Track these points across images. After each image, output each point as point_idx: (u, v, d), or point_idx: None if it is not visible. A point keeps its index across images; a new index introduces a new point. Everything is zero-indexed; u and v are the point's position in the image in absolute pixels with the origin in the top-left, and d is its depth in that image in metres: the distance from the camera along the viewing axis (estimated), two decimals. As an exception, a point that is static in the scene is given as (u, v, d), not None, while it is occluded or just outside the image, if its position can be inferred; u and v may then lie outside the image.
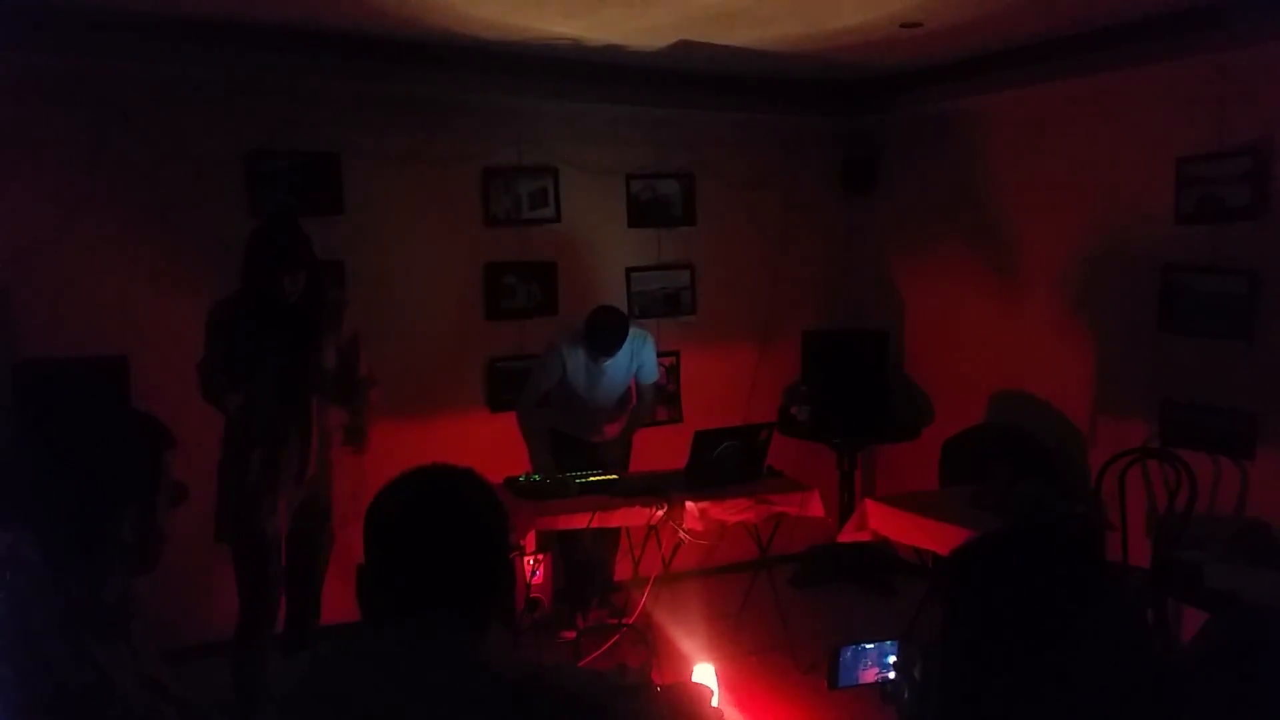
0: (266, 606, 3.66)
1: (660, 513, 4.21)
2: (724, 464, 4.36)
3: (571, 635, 4.77)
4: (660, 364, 5.45)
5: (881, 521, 4.37)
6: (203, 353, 3.64)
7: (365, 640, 1.56)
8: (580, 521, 4.13)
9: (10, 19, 3.90)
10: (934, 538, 4.07)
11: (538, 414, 4.75)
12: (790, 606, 4.88)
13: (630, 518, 4.24)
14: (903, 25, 4.31)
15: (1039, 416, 5.02)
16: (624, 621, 4.80)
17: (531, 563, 4.85)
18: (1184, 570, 3.79)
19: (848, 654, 2.07)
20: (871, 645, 2.07)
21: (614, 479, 4.44)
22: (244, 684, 3.59)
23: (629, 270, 5.57)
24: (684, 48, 4.67)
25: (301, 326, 3.64)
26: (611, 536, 4.88)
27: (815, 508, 4.49)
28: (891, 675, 2.04)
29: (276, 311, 3.57)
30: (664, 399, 5.65)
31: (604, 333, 4.57)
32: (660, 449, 5.04)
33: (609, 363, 4.66)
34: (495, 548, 1.61)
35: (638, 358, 4.78)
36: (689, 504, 4.23)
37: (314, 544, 3.77)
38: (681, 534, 4.33)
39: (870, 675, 2.07)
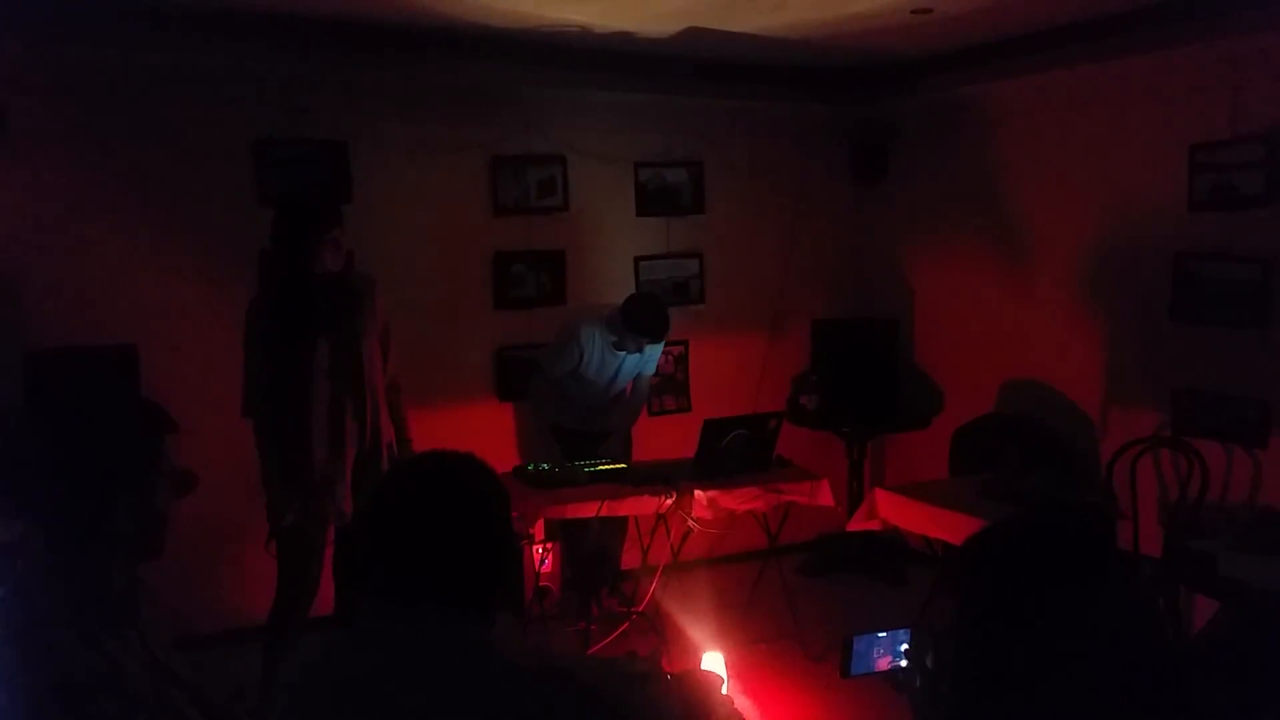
0: (304, 600, 3.53)
1: (669, 501, 4.21)
2: (733, 453, 4.36)
3: (580, 624, 4.77)
4: (668, 352, 5.47)
5: (891, 510, 4.35)
6: (245, 362, 3.44)
7: (375, 628, 1.55)
8: (589, 510, 4.13)
9: (16, 10, 3.90)
10: (944, 527, 4.05)
11: (550, 405, 4.75)
12: (799, 595, 4.88)
13: (639, 506, 4.24)
14: (913, 11, 4.28)
15: (1050, 405, 5.00)
16: (633, 610, 4.81)
17: (540, 551, 4.85)
18: (1196, 559, 3.77)
19: (861, 642, 2.06)
20: (884, 634, 2.06)
21: (623, 468, 4.44)
22: (272, 666, 3.54)
23: (637, 259, 5.55)
24: (693, 34, 4.64)
25: (348, 302, 3.42)
26: (620, 525, 4.87)
27: (824, 497, 4.48)
28: (904, 663, 2.03)
29: (320, 287, 3.34)
30: (670, 389, 5.65)
31: (654, 317, 4.58)
32: (669, 438, 5.04)
33: (627, 354, 4.67)
34: (499, 533, 1.60)
35: (649, 353, 4.81)
36: (698, 493, 4.23)
37: None
38: (690, 523, 4.32)
39: (884, 663, 2.06)
